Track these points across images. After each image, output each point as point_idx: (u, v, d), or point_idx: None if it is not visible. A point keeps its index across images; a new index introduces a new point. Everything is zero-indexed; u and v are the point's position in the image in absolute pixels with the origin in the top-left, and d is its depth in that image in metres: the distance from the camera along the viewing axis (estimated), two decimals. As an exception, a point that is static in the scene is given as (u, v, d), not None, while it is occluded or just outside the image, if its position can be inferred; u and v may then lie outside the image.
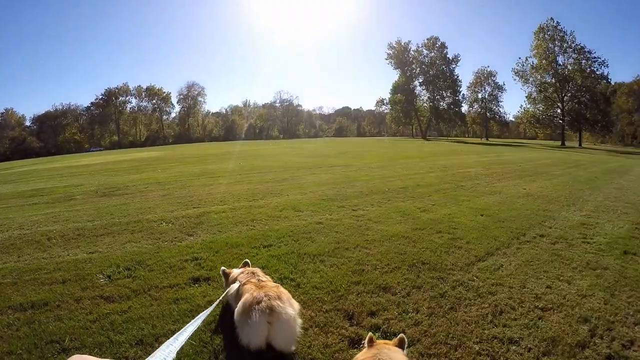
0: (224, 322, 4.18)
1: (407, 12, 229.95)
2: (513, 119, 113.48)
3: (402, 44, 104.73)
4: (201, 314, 3.17)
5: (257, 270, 4.37)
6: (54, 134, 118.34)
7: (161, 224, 8.84)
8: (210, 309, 3.44)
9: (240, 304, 3.59)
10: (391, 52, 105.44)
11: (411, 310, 4.59)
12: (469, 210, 9.82)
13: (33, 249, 7.57)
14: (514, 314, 4.55)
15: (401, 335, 2.95)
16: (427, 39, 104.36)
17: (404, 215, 9.31)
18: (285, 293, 3.73)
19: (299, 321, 3.64)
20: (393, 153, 33.88)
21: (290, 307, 3.56)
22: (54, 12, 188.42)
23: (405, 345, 2.92)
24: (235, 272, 4.47)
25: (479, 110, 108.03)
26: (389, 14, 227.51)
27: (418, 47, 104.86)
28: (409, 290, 5.10)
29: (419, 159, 26.80)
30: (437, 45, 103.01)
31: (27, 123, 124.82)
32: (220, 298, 4.09)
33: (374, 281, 5.37)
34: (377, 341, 2.92)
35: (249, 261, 4.83)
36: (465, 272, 5.72)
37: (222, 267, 4.73)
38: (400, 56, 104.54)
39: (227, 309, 4.34)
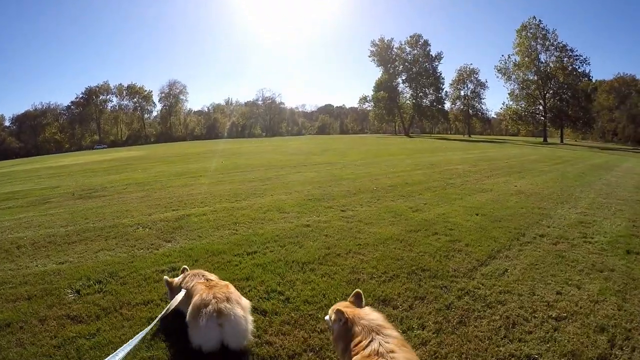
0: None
1: (390, 9, 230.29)
2: (495, 116, 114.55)
3: (385, 41, 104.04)
4: (136, 336, 3.32)
5: (202, 271, 4.33)
6: (34, 134, 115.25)
7: (137, 228, 8.25)
8: (147, 329, 3.62)
9: (190, 307, 3.62)
10: (374, 49, 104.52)
11: (416, 327, 4.11)
12: (463, 209, 9.46)
13: (0, 259, 6.97)
14: (527, 326, 4.16)
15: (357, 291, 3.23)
16: (410, 37, 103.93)
17: (395, 215, 8.85)
18: (234, 293, 3.76)
19: (250, 318, 3.70)
20: (377, 150, 33.42)
21: (239, 306, 3.60)
22: (33, 9, 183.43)
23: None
24: (176, 280, 4.41)
25: (462, 107, 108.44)
26: (372, 10, 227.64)
27: (401, 44, 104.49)
28: (412, 303, 4.66)
29: (404, 156, 26.44)
30: (420, 42, 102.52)
31: (7, 123, 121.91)
32: (161, 315, 3.87)
33: (371, 293, 4.88)
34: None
35: (187, 267, 4.68)
36: (469, 278, 5.33)
37: (165, 277, 4.59)
38: (383, 53, 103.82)
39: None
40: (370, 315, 2.89)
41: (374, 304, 4.54)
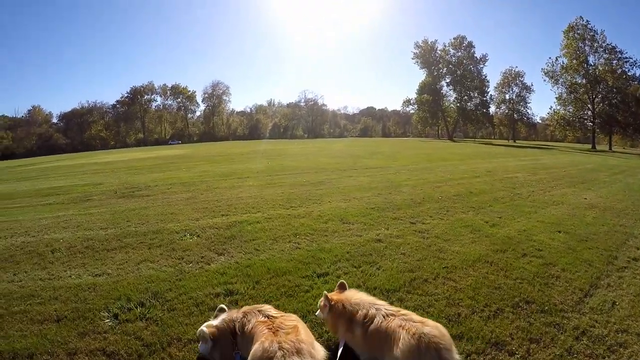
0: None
1: (432, 10, 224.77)
2: (540, 121, 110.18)
3: (429, 43, 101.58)
4: None
5: (260, 306, 3.56)
6: (80, 131, 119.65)
7: (184, 236, 7.49)
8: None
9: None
10: (417, 51, 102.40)
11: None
12: (542, 225, 8.60)
13: (32, 265, 6.41)
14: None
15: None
16: (453, 38, 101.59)
17: (473, 231, 7.92)
18: (305, 340, 2.94)
19: None
20: (426, 155, 32.25)
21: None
22: (81, 12, 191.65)
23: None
24: (217, 323, 3.51)
25: (507, 111, 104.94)
26: (414, 12, 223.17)
27: (445, 46, 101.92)
28: (527, 347, 3.92)
29: (457, 162, 25.23)
30: (464, 44, 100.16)
31: (54, 120, 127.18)
32: None
33: (479, 333, 4.09)
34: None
35: (224, 307, 3.78)
36: (578, 313, 4.65)
37: (202, 328, 3.54)
38: (426, 55, 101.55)
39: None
40: (357, 294, 3.70)
41: (485, 348, 3.87)
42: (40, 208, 11.69)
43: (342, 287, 3.86)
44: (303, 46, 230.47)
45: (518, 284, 5.34)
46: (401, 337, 2.98)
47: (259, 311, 3.36)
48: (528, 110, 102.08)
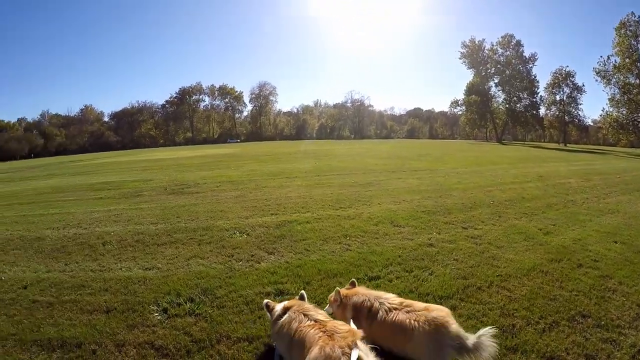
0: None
1: (478, 8, 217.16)
2: (592, 123, 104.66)
3: (476, 42, 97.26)
4: None
5: (304, 305, 3.43)
6: (131, 129, 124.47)
7: (234, 233, 7.47)
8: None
9: None
10: (465, 51, 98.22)
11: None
12: (597, 234, 8.04)
13: (83, 256, 6.57)
14: None
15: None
16: (501, 37, 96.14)
17: (527, 238, 7.53)
18: (361, 346, 2.72)
19: None
20: (475, 157, 31.30)
21: None
22: (130, 16, 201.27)
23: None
24: (278, 308, 3.47)
25: (557, 113, 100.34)
26: (460, 10, 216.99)
27: (493, 45, 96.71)
28: None
29: (507, 165, 24.30)
30: (513, 43, 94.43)
31: (106, 119, 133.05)
32: None
33: (534, 347, 3.88)
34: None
35: (304, 293, 3.68)
36: (635, 330, 4.32)
37: (266, 301, 3.60)
38: (474, 55, 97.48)
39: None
40: (366, 290, 3.88)
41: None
42: (92, 202, 12.09)
43: (353, 284, 4.01)
44: (349, 46, 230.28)
45: (574, 296, 5.03)
46: (414, 327, 3.24)
47: (304, 315, 3.21)
48: (579, 112, 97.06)
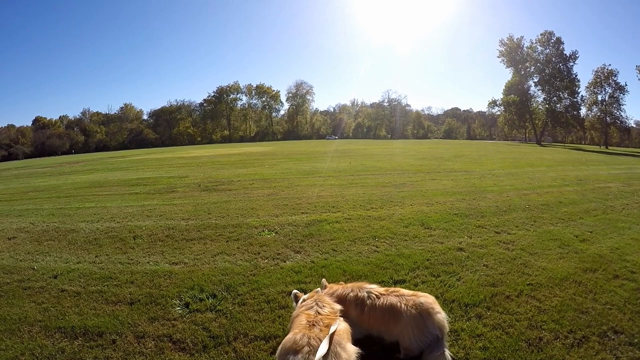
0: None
1: (517, 5, 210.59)
2: (635, 125, 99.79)
3: (515, 40, 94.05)
4: None
5: (323, 298, 3.58)
6: (169, 127, 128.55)
7: (263, 231, 7.54)
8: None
9: (279, 348, 2.92)
10: (503, 49, 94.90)
11: None
12: (637, 243, 7.59)
13: (114, 249, 6.79)
14: None
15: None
16: (540, 34, 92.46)
17: (562, 245, 7.20)
18: (335, 340, 2.85)
19: None
20: (513, 159, 30.45)
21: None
22: (167, 16, 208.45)
23: None
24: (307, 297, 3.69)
25: (599, 114, 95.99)
26: (498, 6, 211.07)
27: (532, 43, 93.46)
28: None
29: (545, 168, 23.48)
30: (552, 40, 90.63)
31: (145, 117, 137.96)
32: None
33: None
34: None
35: (325, 281, 4.07)
36: None
37: (294, 290, 3.85)
38: (512, 53, 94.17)
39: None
40: (351, 283, 4.03)
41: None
42: (127, 197, 12.45)
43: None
44: (386, 44, 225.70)
45: (607, 310, 4.75)
46: (403, 310, 3.48)
47: (316, 303, 3.37)
48: (621, 113, 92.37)
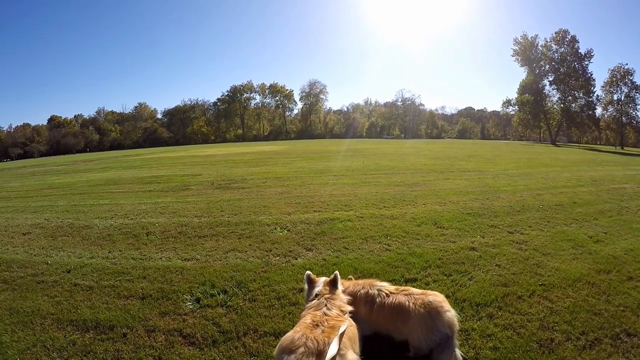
0: None
1: (531, 3, 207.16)
2: None
3: (529, 38, 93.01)
4: None
5: (338, 295, 3.49)
6: (183, 126, 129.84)
7: (275, 229, 7.55)
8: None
9: (278, 344, 2.86)
10: (517, 47, 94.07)
11: None
12: None
13: (127, 245, 6.87)
14: None
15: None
16: (555, 33, 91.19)
17: (576, 246, 7.10)
18: (336, 344, 2.72)
19: None
20: (527, 159, 30.09)
21: None
22: (181, 15, 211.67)
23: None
24: (320, 281, 3.66)
25: (614, 114, 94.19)
26: (511, 5, 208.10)
27: (546, 41, 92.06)
28: None
29: (559, 168, 23.16)
30: (567, 39, 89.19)
31: (159, 116, 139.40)
32: None
33: None
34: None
35: (337, 274, 3.69)
36: None
37: (307, 272, 3.77)
38: (527, 52, 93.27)
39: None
40: (361, 280, 4.06)
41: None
42: (141, 194, 12.58)
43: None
44: (400, 44, 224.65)
45: (620, 312, 4.67)
46: (411, 309, 3.47)
47: (327, 299, 3.35)
48: (638, 113, 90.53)
